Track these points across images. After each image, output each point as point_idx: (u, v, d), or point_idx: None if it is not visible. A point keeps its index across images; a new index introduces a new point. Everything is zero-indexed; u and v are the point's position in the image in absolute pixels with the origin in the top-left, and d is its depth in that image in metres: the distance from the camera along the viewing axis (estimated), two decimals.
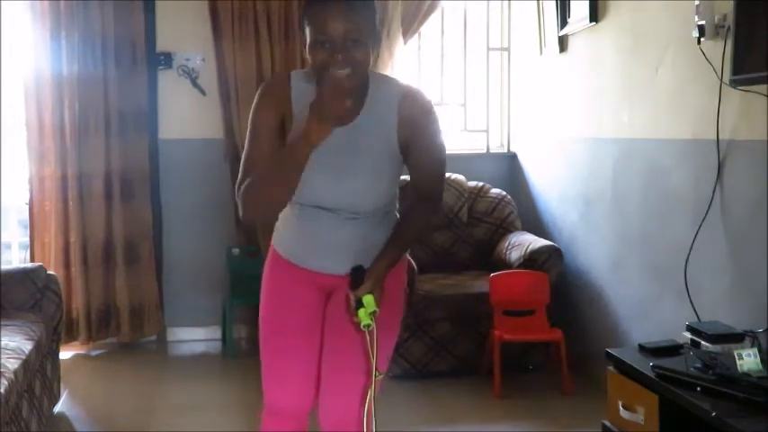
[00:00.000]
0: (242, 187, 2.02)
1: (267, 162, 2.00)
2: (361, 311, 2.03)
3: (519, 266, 4.11)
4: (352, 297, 2.06)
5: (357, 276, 2.07)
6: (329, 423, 2.24)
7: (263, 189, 2.00)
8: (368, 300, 2.04)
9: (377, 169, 2.09)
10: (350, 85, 1.92)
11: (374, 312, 2.04)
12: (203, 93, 4.74)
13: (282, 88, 2.07)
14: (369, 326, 2.04)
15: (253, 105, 2.09)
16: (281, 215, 2.23)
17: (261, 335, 2.26)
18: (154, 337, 4.84)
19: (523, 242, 4.27)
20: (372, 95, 2.06)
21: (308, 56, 1.96)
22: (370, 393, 2.15)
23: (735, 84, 2.71)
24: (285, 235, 2.22)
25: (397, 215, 2.24)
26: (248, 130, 2.08)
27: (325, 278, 2.17)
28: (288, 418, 2.28)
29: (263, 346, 2.26)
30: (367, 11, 1.95)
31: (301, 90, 2.04)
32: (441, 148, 2.15)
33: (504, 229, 4.62)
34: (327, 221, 2.12)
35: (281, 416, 2.28)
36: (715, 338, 2.54)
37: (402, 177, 2.18)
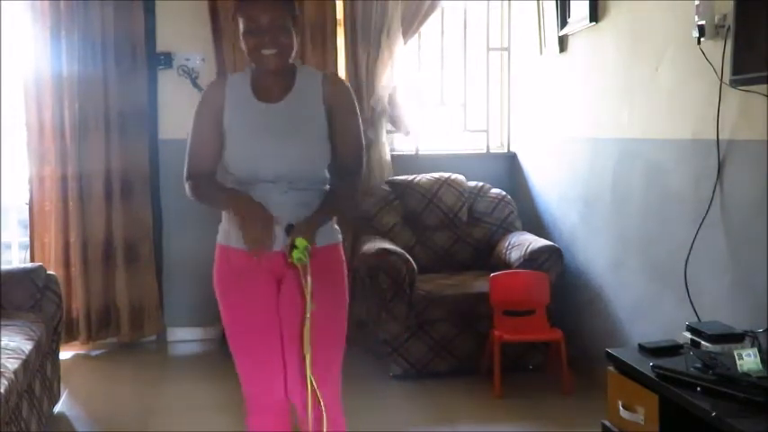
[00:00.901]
0: (189, 185, 2.44)
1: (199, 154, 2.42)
2: (295, 252, 2.22)
3: (519, 266, 4.11)
4: (287, 242, 2.25)
5: (290, 228, 2.28)
6: (301, 399, 2.41)
7: (204, 202, 2.48)
8: (299, 241, 2.23)
9: (309, 137, 2.38)
10: (277, 65, 2.33)
11: (306, 248, 2.22)
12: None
13: (218, 92, 2.42)
14: (301, 260, 2.22)
15: (195, 108, 2.45)
16: (224, 215, 2.48)
17: (229, 339, 2.48)
18: (154, 337, 4.84)
19: (523, 242, 4.27)
20: (300, 79, 2.42)
21: (241, 44, 2.34)
22: (306, 335, 2.32)
23: (735, 84, 2.71)
24: (233, 222, 2.38)
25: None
26: (191, 126, 2.44)
27: (273, 257, 2.31)
28: (270, 411, 2.47)
29: (233, 349, 2.47)
30: (288, 4, 2.34)
31: (236, 86, 2.41)
32: (358, 124, 2.46)
33: (504, 229, 4.62)
34: (269, 194, 2.32)
35: (264, 411, 2.47)
36: (715, 338, 2.54)
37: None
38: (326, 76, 2.47)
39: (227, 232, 2.48)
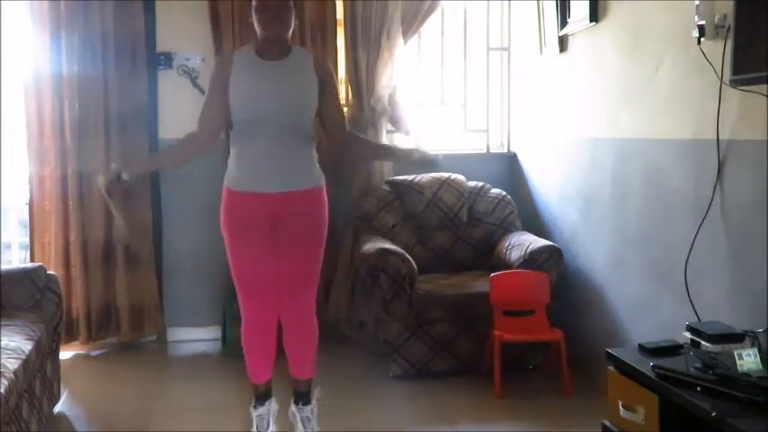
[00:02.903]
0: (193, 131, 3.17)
1: (207, 118, 3.13)
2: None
3: (519, 266, 4.11)
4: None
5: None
6: (292, 315, 3.14)
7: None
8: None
9: (305, 87, 3.03)
10: (279, 34, 2.99)
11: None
12: (203, 93, 4.69)
13: (227, 59, 3.09)
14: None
15: (210, 76, 3.16)
16: (231, 157, 3.08)
17: (232, 268, 3.10)
18: (154, 337, 4.84)
19: (523, 242, 4.27)
20: (294, 51, 3.10)
21: (253, 19, 2.99)
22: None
23: (735, 84, 2.71)
24: (238, 167, 3.04)
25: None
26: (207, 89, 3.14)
27: (270, 197, 2.99)
28: (260, 325, 3.13)
29: (234, 273, 3.10)
30: None
31: (242, 56, 3.06)
32: (339, 97, 3.25)
33: (505, 229, 4.62)
34: (270, 136, 2.95)
35: (256, 325, 3.13)
36: (715, 338, 2.54)
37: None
38: (315, 55, 3.17)
39: (230, 176, 3.08)
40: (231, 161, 3.09)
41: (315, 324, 3.21)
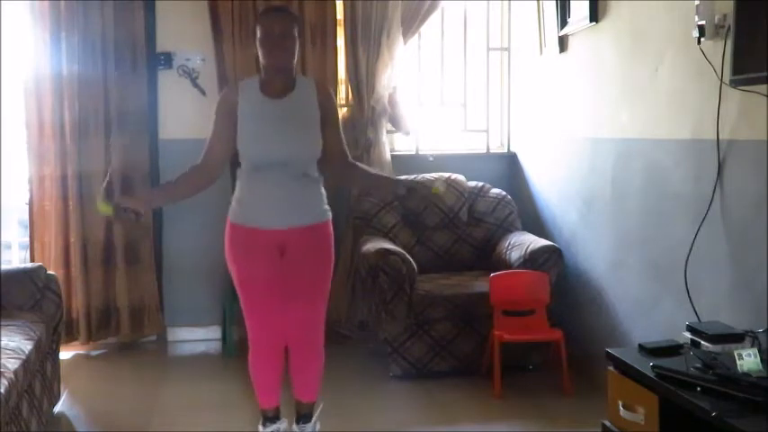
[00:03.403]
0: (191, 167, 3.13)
1: (214, 149, 3.08)
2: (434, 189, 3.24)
3: (519, 266, 4.11)
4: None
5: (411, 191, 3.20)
6: (299, 342, 3.11)
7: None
8: (435, 189, 3.24)
9: (309, 126, 3.03)
10: (284, 62, 2.98)
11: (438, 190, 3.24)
12: (203, 93, 4.74)
13: (232, 96, 3.06)
14: (438, 190, 3.26)
15: (215, 108, 3.10)
16: (236, 192, 3.09)
17: (240, 297, 3.10)
18: (154, 337, 4.84)
19: (523, 242, 4.27)
20: (298, 82, 3.08)
21: (258, 47, 2.97)
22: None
23: (735, 84, 2.71)
24: (243, 204, 3.05)
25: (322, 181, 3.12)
26: (212, 125, 3.09)
27: (277, 234, 3.00)
28: (268, 352, 3.11)
29: (243, 305, 3.10)
30: (295, 22, 3.02)
31: (247, 88, 3.05)
32: (340, 125, 3.19)
33: (505, 229, 4.62)
34: (277, 179, 2.97)
35: (264, 349, 3.10)
36: (715, 338, 2.54)
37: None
38: (317, 83, 3.19)
39: (234, 210, 3.09)
40: (236, 196, 3.09)
41: (321, 352, 3.17)
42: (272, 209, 3.00)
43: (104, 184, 2.99)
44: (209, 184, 3.13)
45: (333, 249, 3.14)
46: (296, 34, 2.99)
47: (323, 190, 3.12)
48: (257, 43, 2.98)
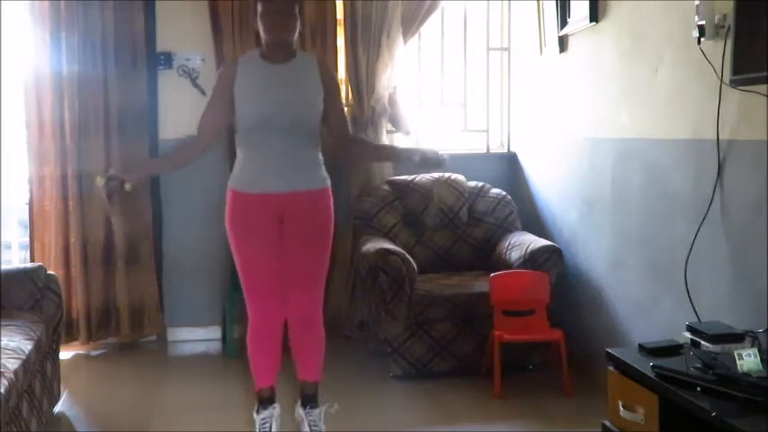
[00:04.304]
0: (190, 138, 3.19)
1: (207, 121, 3.10)
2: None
3: (519, 266, 4.11)
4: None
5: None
6: (298, 316, 3.11)
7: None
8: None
9: (311, 90, 3.04)
10: (284, 39, 2.99)
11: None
12: (203, 93, 4.73)
13: (231, 67, 3.09)
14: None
15: (215, 81, 3.14)
16: (237, 160, 3.09)
17: (238, 269, 3.08)
18: (154, 337, 4.84)
19: (523, 242, 4.27)
20: (299, 55, 3.12)
21: (258, 23, 2.98)
22: None
23: (735, 84, 2.71)
24: (243, 169, 3.05)
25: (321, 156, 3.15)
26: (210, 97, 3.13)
27: (277, 198, 3.00)
28: (267, 324, 3.10)
29: (241, 276, 3.08)
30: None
31: (247, 62, 3.07)
32: (342, 102, 3.24)
33: (504, 229, 4.62)
34: (276, 141, 2.97)
35: (263, 324, 3.10)
36: (715, 338, 2.54)
37: None
38: (319, 60, 3.21)
39: (234, 176, 3.09)
40: (237, 163, 3.11)
41: (321, 325, 3.19)
42: (271, 171, 3.01)
43: (109, 170, 3.04)
44: (199, 155, 3.18)
45: (332, 218, 3.15)
46: (297, 12, 3.00)
47: (320, 156, 3.13)
48: (257, 18, 2.99)
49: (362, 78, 4.72)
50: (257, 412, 3.20)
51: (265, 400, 3.21)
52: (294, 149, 3.02)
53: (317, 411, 3.20)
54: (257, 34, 3.10)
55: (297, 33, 3.04)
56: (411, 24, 4.79)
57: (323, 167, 3.14)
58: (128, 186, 3.02)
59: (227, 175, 4.57)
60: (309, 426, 3.19)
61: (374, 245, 4.21)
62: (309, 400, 3.21)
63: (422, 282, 4.15)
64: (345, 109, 3.43)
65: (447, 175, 4.73)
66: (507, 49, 5.18)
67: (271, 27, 2.98)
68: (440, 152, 3.15)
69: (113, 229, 4.61)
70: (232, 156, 4.62)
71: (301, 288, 3.10)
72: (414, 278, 4.04)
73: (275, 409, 3.22)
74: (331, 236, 3.16)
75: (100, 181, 2.99)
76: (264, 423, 3.18)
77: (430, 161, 3.13)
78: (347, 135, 3.22)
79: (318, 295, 3.16)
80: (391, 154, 3.60)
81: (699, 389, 2.27)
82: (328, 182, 3.15)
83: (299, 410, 3.23)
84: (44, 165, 4.55)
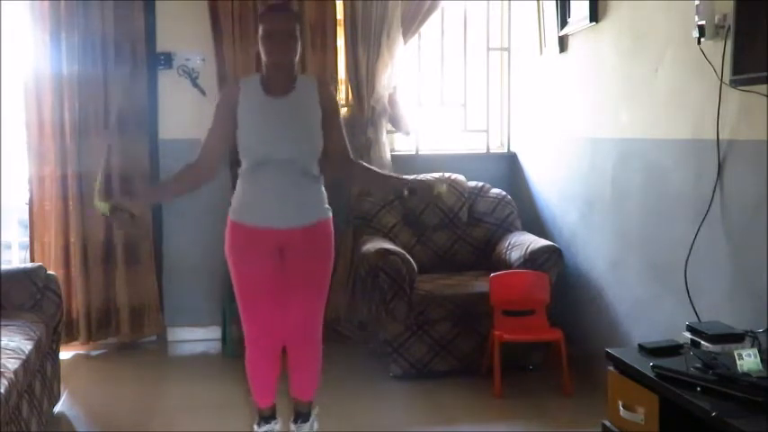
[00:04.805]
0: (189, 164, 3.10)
1: (212, 145, 3.07)
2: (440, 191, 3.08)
3: (519, 266, 4.11)
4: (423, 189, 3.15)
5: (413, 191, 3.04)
6: (297, 341, 3.11)
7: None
8: (438, 188, 3.09)
9: (311, 125, 3.00)
10: (286, 61, 2.97)
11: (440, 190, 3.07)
12: (203, 93, 4.74)
13: (233, 94, 3.04)
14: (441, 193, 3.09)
15: (215, 106, 3.10)
16: (237, 191, 3.06)
17: (237, 296, 3.09)
18: (154, 337, 4.84)
19: (523, 242, 4.27)
20: (299, 81, 3.05)
21: (259, 46, 2.97)
22: None
23: (735, 84, 2.71)
24: (243, 202, 3.03)
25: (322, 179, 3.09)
26: (211, 122, 3.08)
27: (277, 234, 2.98)
28: (266, 350, 3.10)
29: (240, 304, 3.09)
30: (296, 20, 3.01)
31: (249, 86, 3.03)
32: (342, 125, 3.14)
33: (504, 229, 4.62)
34: (277, 177, 2.95)
35: (261, 350, 3.10)
36: (715, 338, 2.54)
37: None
38: (319, 81, 3.16)
39: (234, 209, 3.07)
40: (236, 195, 3.07)
41: (319, 352, 3.18)
42: (271, 208, 2.98)
43: (97, 184, 3.06)
44: (205, 182, 3.12)
45: (332, 249, 3.13)
46: (298, 33, 2.98)
47: (323, 189, 3.10)
48: (259, 41, 2.98)
49: (362, 78, 4.72)
50: (258, 425, 3.20)
51: (266, 417, 3.21)
52: (293, 185, 2.98)
53: (307, 425, 3.21)
54: (258, 56, 3.07)
55: (298, 55, 3.01)
56: (411, 24, 4.79)
57: (324, 199, 3.10)
58: (136, 214, 3.04)
59: (227, 176, 4.61)
60: None
61: (374, 245, 4.21)
62: (301, 416, 3.23)
63: (422, 282, 4.15)
64: (344, 108, 3.41)
65: (447, 174, 4.73)
66: (507, 49, 5.18)
67: (272, 50, 2.95)
68: (440, 186, 3.09)
69: (113, 229, 4.61)
70: (231, 159, 4.65)
71: (301, 315, 3.07)
72: (414, 278, 4.04)
73: (276, 425, 3.21)
74: (331, 266, 3.14)
75: (103, 208, 2.94)
76: None
77: (419, 196, 3.17)
78: (347, 157, 3.13)
79: (317, 321, 3.13)
80: (392, 182, 3.28)
81: (699, 389, 2.27)
82: (329, 213, 3.11)
83: (291, 426, 3.23)
84: (44, 165, 4.55)
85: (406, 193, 3.03)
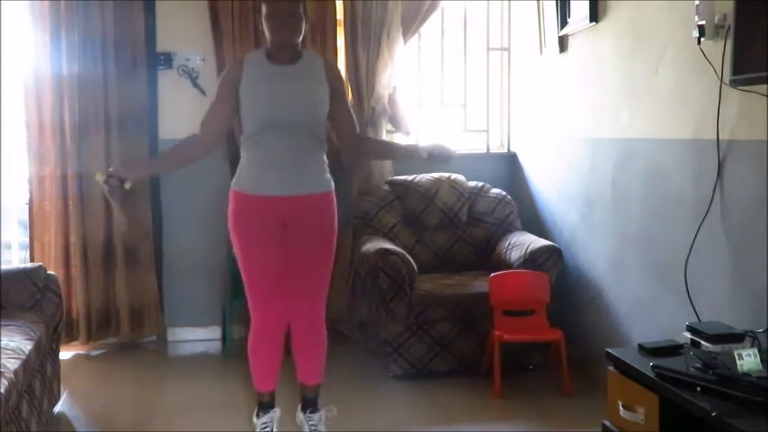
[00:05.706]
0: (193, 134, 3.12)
1: (210, 121, 3.09)
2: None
3: (519, 266, 4.11)
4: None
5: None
6: (301, 319, 3.11)
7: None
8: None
9: (317, 91, 3.03)
10: (290, 41, 2.97)
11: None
12: (203, 93, 4.74)
13: (236, 69, 3.03)
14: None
15: (218, 81, 3.12)
16: (242, 160, 3.06)
17: (240, 268, 3.08)
18: (154, 337, 4.84)
19: (523, 242, 4.27)
20: (305, 55, 3.09)
21: (263, 25, 2.96)
22: None
23: (735, 84, 2.71)
24: (247, 169, 3.03)
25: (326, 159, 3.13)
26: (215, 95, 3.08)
27: (280, 202, 2.98)
28: (270, 327, 3.09)
29: (244, 277, 3.07)
30: None
31: (252, 61, 3.03)
32: (348, 101, 3.23)
33: (504, 229, 4.62)
34: (281, 141, 2.95)
35: (266, 327, 3.09)
36: (715, 338, 2.54)
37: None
38: (326, 60, 3.19)
39: (238, 177, 3.07)
40: (241, 164, 3.08)
41: (324, 328, 3.18)
42: (275, 174, 2.99)
43: (110, 169, 3.07)
44: (201, 157, 3.16)
45: (336, 222, 3.13)
46: (302, 11, 2.97)
47: (325, 158, 3.11)
48: (262, 19, 2.97)
49: (362, 78, 4.72)
50: (257, 416, 3.20)
51: (265, 405, 3.21)
52: (299, 151, 2.99)
53: (317, 415, 3.20)
54: (261, 34, 3.07)
55: (302, 33, 3.01)
56: (411, 24, 4.79)
57: (327, 170, 3.12)
58: (127, 185, 3.00)
59: (227, 176, 4.60)
60: (310, 430, 3.19)
61: (374, 245, 4.21)
62: (310, 404, 3.21)
63: (422, 282, 4.15)
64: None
65: (447, 174, 4.73)
66: (507, 49, 5.18)
67: (277, 28, 2.95)
68: (447, 146, 3.14)
69: (113, 229, 4.61)
70: (232, 156, 4.67)
71: (305, 291, 3.08)
72: (414, 278, 4.04)
73: (275, 413, 3.21)
74: (335, 240, 3.14)
75: (100, 177, 2.99)
76: (265, 427, 3.19)
77: (438, 157, 3.15)
78: (355, 133, 3.20)
79: (321, 299, 3.14)
80: (399, 151, 3.56)
81: (699, 389, 2.27)
82: (332, 185, 3.13)
83: (300, 415, 3.22)
84: (44, 165, 4.54)
85: (425, 155, 3.12)
